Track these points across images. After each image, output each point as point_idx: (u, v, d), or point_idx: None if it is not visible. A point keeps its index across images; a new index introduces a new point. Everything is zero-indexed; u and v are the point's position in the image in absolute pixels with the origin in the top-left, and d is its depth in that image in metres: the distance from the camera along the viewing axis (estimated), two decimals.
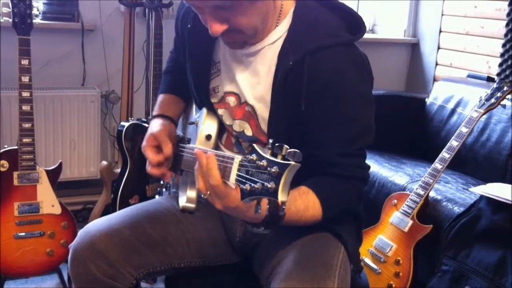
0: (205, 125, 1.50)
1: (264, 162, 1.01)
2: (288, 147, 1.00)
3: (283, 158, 1.00)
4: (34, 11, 2.77)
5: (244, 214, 1.18)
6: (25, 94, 2.21)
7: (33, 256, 2.29)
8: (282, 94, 1.35)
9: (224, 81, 1.47)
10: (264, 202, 1.04)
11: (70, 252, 1.43)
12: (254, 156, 1.04)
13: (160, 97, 1.67)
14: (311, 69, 1.30)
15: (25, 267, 2.29)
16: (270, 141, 1.04)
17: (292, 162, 0.98)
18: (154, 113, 1.61)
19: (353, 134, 1.35)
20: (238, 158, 1.09)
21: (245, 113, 1.44)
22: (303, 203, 1.27)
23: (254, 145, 1.05)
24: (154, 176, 1.53)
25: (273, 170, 0.99)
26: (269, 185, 0.99)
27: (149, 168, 1.49)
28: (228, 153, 1.18)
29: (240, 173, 1.07)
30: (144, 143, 1.51)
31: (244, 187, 1.03)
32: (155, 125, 1.54)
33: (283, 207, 1.01)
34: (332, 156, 1.33)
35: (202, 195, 1.18)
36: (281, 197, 0.98)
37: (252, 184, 1.01)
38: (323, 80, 1.30)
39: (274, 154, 1.02)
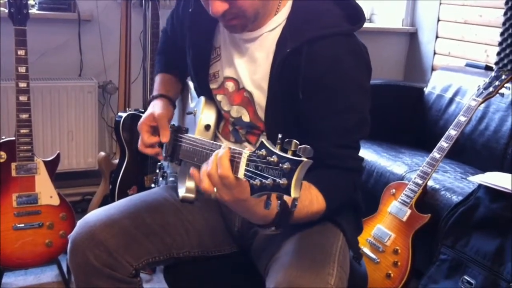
0: (204, 114, 1.50)
1: (274, 158, 1.00)
2: (298, 143, 1.00)
3: (293, 153, 0.99)
4: (30, 1, 2.77)
5: (252, 211, 1.17)
6: (22, 84, 2.20)
7: (32, 247, 2.29)
8: (279, 82, 1.34)
9: (224, 66, 1.47)
10: (274, 198, 1.03)
11: (69, 243, 1.43)
12: (263, 151, 1.02)
13: (159, 77, 1.66)
14: (309, 58, 1.30)
15: (24, 259, 2.29)
16: (279, 135, 1.03)
17: (305, 159, 0.97)
18: (155, 92, 1.60)
19: (350, 125, 1.34)
20: (246, 152, 1.08)
21: (243, 99, 1.44)
22: (307, 198, 1.26)
23: (263, 140, 1.04)
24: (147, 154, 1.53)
25: (285, 166, 0.98)
26: (281, 181, 0.97)
27: (141, 147, 1.50)
28: (232, 145, 1.17)
29: (249, 168, 1.06)
30: (142, 119, 1.50)
31: (254, 183, 1.02)
32: (157, 107, 1.53)
33: (295, 203, 1.00)
34: (329, 147, 1.33)
35: (211, 196, 1.17)
36: (294, 193, 0.97)
37: (263, 180, 1.00)
38: (321, 69, 1.30)
39: (283, 150, 1.01)
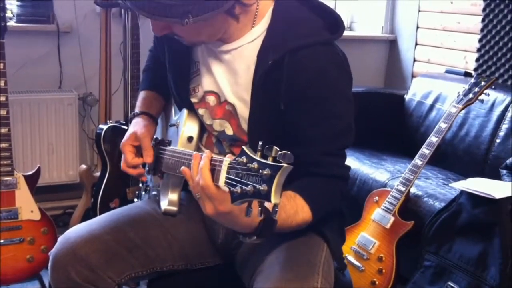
0: (186, 127, 1.49)
1: (255, 165, 1.00)
2: (278, 149, 0.99)
3: (274, 160, 0.99)
4: (8, 14, 2.74)
5: (236, 220, 1.16)
6: (1, 98, 2.17)
7: (13, 263, 2.25)
8: (262, 94, 1.34)
9: (203, 81, 1.46)
10: (255, 205, 1.03)
11: (50, 259, 1.41)
12: (244, 159, 1.02)
13: (142, 94, 1.65)
14: (291, 69, 1.30)
15: (5, 274, 2.25)
16: (260, 142, 1.02)
17: (285, 164, 0.97)
18: (137, 110, 1.59)
19: (335, 133, 1.34)
20: (227, 160, 1.07)
21: (226, 112, 1.44)
22: (292, 208, 1.26)
23: (244, 147, 1.04)
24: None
25: (265, 172, 0.97)
26: (261, 188, 0.97)
27: (124, 167, 1.49)
28: (214, 155, 1.16)
29: (229, 176, 1.05)
30: (125, 139, 1.49)
31: (235, 190, 1.01)
32: (139, 125, 1.52)
33: (276, 209, 1.00)
34: (315, 155, 1.33)
35: (195, 195, 1.17)
36: (274, 199, 0.97)
37: (243, 187, 1.00)
38: (304, 79, 1.29)
39: (264, 156, 1.00)
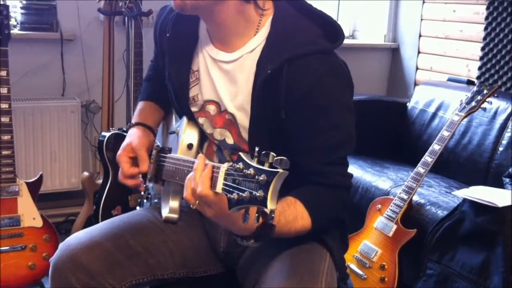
0: (186, 134, 1.49)
1: (251, 171, 1.00)
2: (275, 155, 0.99)
3: (270, 165, 0.99)
4: (12, 22, 2.76)
5: (235, 224, 1.16)
6: (4, 106, 2.18)
7: (15, 270, 2.26)
8: (261, 103, 1.34)
9: (203, 90, 1.46)
10: (252, 211, 1.03)
11: (51, 266, 1.41)
12: (240, 165, 1.02)
13: (140, 104, 1.66)
14: (289, 78, 1.30)
15: (7, 282, 2.25)
16: (256, 148, 1.02)
17: (280, 170, 0.97)
18: (134, 120, 1.60)
19: (335, 142, 1.34)
20: (224, 167, 1.07)
21: (226, 122, 1.44)
22: (292, 213, 1.26)
23: (240, 153, 1.04)
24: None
25: (261, 178, 0.98)
26: (257, 194, 0.97)
27: (121, 178, 1.50)
28: (211, 162, 1.16)
29: (226, 182, 1.05)
30: (120, 151, 1.50)
31: (232, 196, 1.02)
32: (134, 136, 1.53)
33: (272, 215, 1.00)
34: (315, 164, 1.32)
35: (191, 206, 1.17)
36: (270, 205, 0.97)
37: (240, 193, 1.00)
38: (302, 88, 1.29)
39: (260, 162, 1.01)
